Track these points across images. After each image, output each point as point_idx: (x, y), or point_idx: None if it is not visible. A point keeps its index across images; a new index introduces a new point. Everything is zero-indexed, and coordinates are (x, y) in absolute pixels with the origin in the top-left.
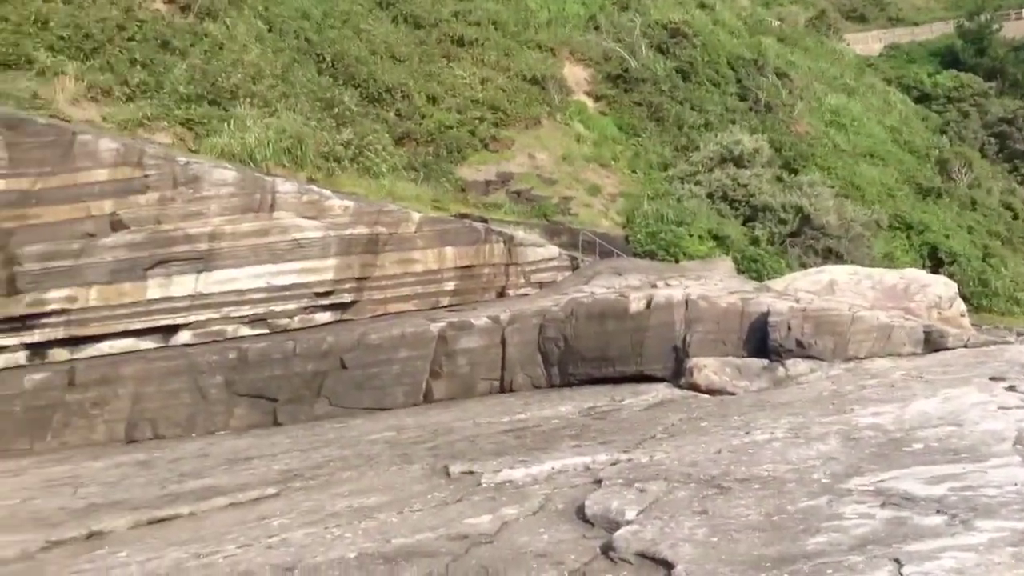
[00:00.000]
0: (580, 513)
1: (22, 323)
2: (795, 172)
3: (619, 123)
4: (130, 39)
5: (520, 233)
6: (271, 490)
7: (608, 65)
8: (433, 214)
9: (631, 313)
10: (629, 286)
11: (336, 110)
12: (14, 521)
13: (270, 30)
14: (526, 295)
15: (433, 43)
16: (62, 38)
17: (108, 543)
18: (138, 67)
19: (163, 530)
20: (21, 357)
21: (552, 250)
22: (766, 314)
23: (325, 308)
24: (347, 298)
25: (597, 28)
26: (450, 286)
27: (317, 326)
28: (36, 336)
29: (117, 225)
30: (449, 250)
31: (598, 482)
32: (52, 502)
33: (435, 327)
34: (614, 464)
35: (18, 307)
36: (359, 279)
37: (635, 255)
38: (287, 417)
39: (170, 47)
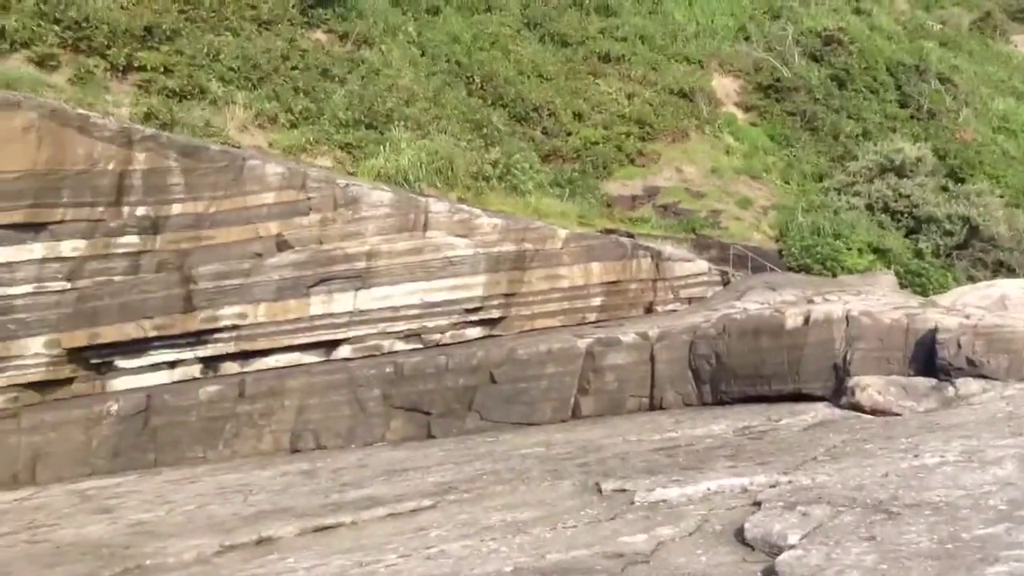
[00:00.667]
0: (739, 536)
1: (197, 338)
2: (961, 181)
3: (771, 133)
4: (293, 68)
5: (668, 248)
6: (427, 502)
7: (759, 75)
8: (579, 230)
9: (787, 329)
10: (784, 301)
11: (485, 130)
12: (191, 526)
13: (423, 55)
14: (675, 311)
15: (579, 60)
16: (232, 69)
17: (277, 549)
18: (301, 95)
19: (327, 538)
20: (196, 370)
21: (701, 265)
22: (934, 331)
23: (475, 324)
24: (495, 314)
25: (747, 38)
26: (597, 302)
27: (467, 341)
28: (209, 350)
29: (283, 245)
30: (595, 266)
31: (757, 504)
32: (225, 508)
33: (582, 343)
34: (773, 486)
35: (194, 323)
36: (507, 295)
37: (789, 269)
38: (440, 430)
39: (330, 75)
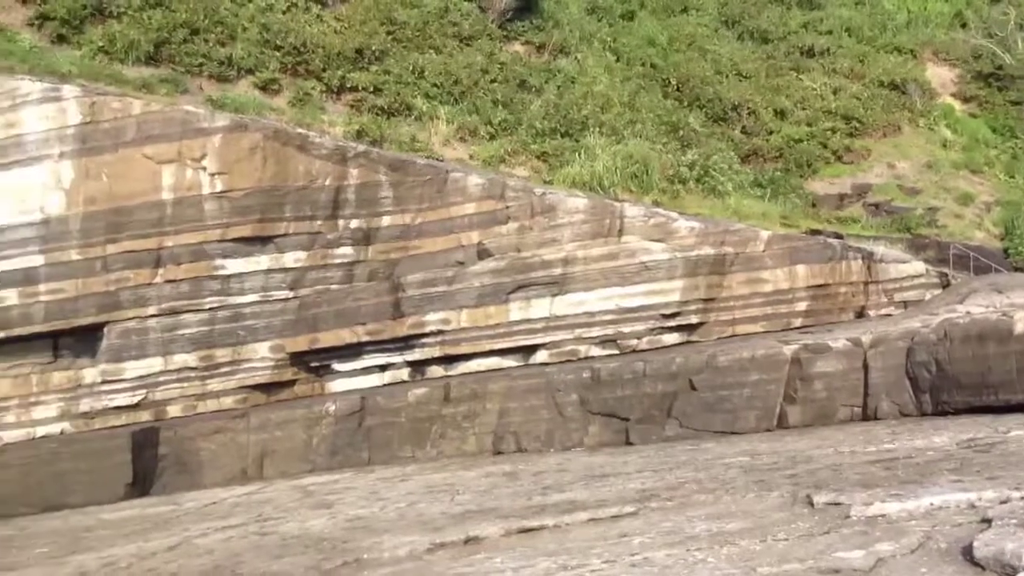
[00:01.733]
0: (967, 554)
1: (405, 343)
2: None
3: (992, 125)
4: (492, 81)
5: (880, 248)
6: (629, 508)
7: (978, 63)
8: (782, 231)
9: (1016, 335)
10: (1013, 304)
11: (681, 132)
12: (403, 523)
13: (617, 60)
14: (889, 315)
15: (781, 56)
16: (436, 85)
17: (484, 549)
18: (499, 107)
19: (531, 540)
20: (404, 373)
21: (917, 266)
22: None
23: (672, 329)
24: (694, 319)
25: (964, 25)
26: (802, 306)
27: (665, 347)
28: (416, 355)
29: (483, 253)
30: (800, 268)
31: (986, 521)
32: (434, 507)
33: (788, 350)
34: (1004, 502)
35: (402, 328)
36: (706, 300)
37: (1016, 269)
38: (638, 437)
39: (527, 86)
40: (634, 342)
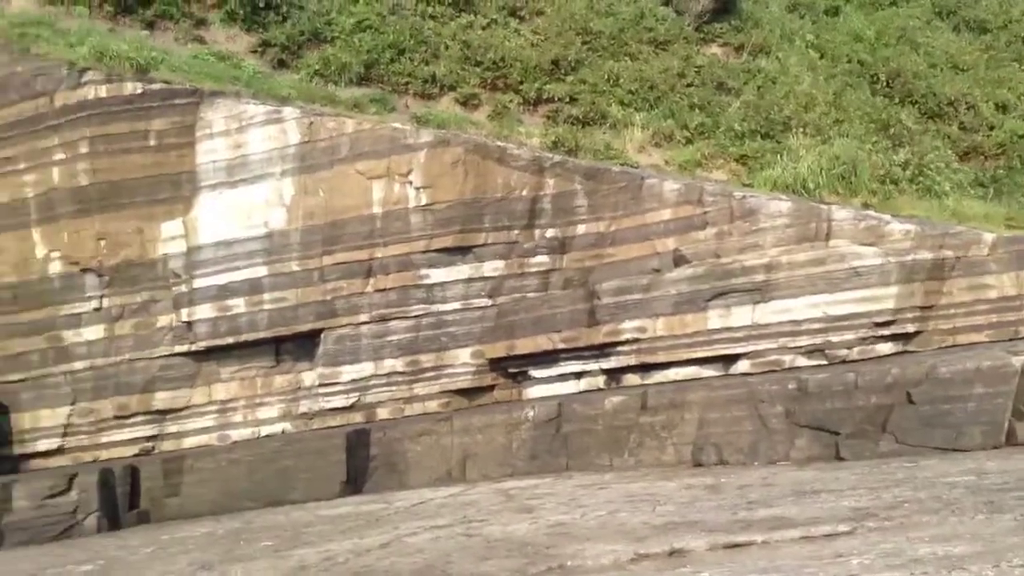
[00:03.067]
0: None
1: (600, 351)
2: None
3: None
4: (688, 85)
5: None
6: (843, 527)
7: None
8: (1008, 234)
9: None
10: None
11: (892, 130)
12: (605, 531)
13: (821, 57)
14: None
15: (1001, 47)
16: (631, 92)
17: (689, 562)
18: (696, 111)
19: (738, 555)
20: (600, 381)
21: None
22: None
23: (886, 339)
24: (910, 328)
25: None
26: None
27: (878, 358)
28: (612, 362)
29: (679, 260)
30: None
31: None
32: (635, 516)
33: (1017, 361)
34: None
35: (598, 336)
36: (923, 307)
37: None
38: (849, 452)
39: (725, 88)
40: (844, 352)
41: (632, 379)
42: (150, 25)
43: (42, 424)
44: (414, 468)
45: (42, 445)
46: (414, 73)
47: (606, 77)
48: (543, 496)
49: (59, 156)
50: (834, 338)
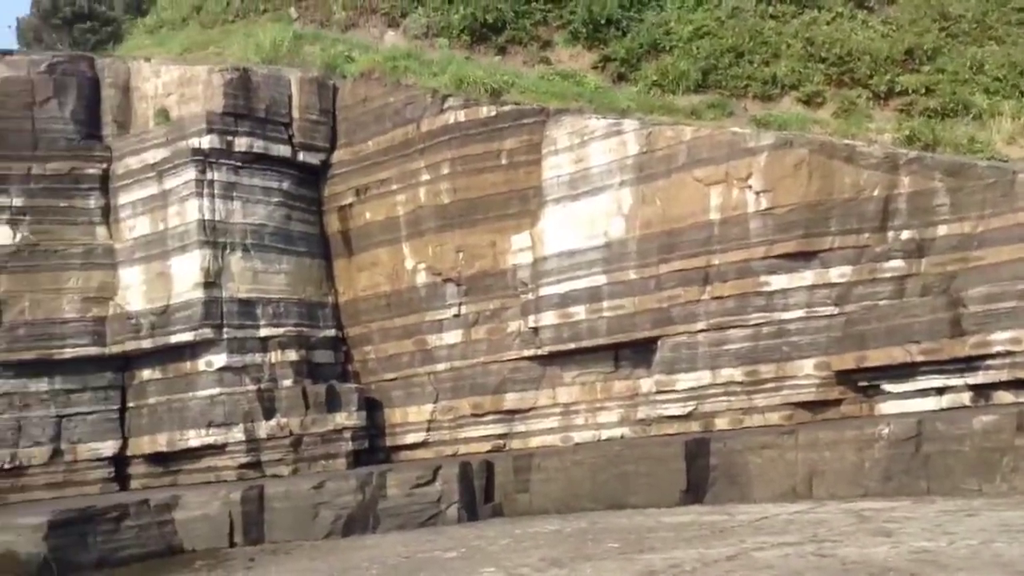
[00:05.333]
0: None
1: (966, 364)
2: None
3: None
4: None
5: None
6: None
7: None
8: None
9: None
10: None
11: None
12: (977, 562)
13: None
14: None
15: None
16: (997, 79)
17: None
18: None
19: None
20: (965, 398)
21: None
22: None
23: None
24: None
25: None
26: None
27: None
28: (980, 378)
29: None
30: None
31: None
32: (1013, 548)
33: None
34: None
35: (963, 348)
36: None
37: None
38: None
39: None
40: None
41: (1004, 396)
42: (502, 50)
43: (410, 419)
44: (756, 481)
45: (410, 438)
46: (753, 75)
47: (968, 64)
48: (902, 520)
49: (425, 177)
50: None
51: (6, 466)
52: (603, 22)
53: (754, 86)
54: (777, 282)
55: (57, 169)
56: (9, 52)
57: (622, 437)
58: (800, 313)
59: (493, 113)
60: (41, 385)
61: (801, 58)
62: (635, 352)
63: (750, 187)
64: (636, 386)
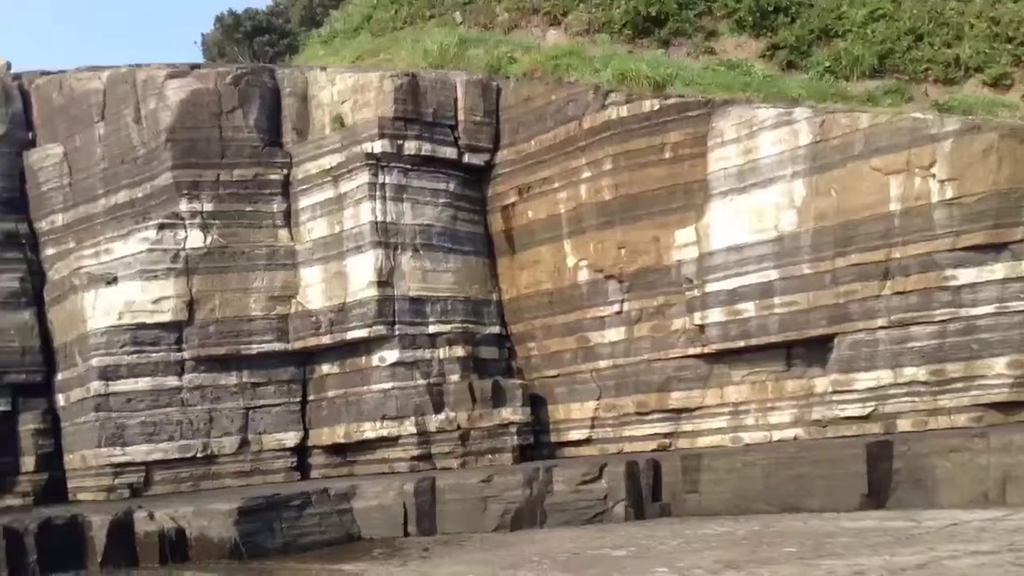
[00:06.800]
0: None
1: None
2: None
3: None
4: None
5: None
6: None
7: None
8: None
9: None
10: None
11: None
12: None
13: None
14: None
15: None
16: None
17: None
18: None
19: None
20: None
21: None
22: None
23: None
24: None
25: None
26: None
27: None
28: None
29: None
30: None
31: None
32: None
33: None
34: None
35: None
36: None
37: None
38: None
39: None
40: None
41: None
42: (665, 43)
43: (573, 416)
44: (943, 486)
45: (573, 435)
46: (934, 58)
47: None
48: None
49: (586, 174)
50: None
51: (199, 455)
52: (770, 9)
53: (935, 69)
54: (965, 276)
55: (243, 175)
56: (197, 65)
57: (795, 438)
58: (990, 308)
59: (656, 107)
60: (231, 379)
61: (986, 38)
62: (809, 350)
63: (933, 175)
64: (811, 385)
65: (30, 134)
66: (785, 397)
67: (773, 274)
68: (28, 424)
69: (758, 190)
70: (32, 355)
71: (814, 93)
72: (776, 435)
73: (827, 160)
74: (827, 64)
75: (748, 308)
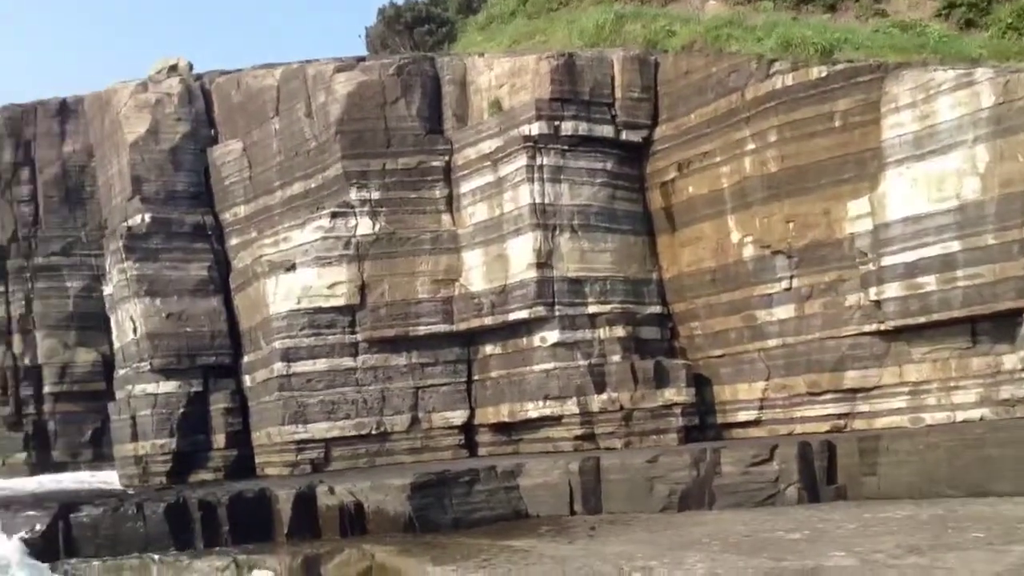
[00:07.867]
0: None
1: None
2: None
3: None
4: None
5: None
6: None
7: None
8: None
9: None
10: None
11: None
12: None
13: None
14: None
15: None
16: None
17: None
18: None
19: None
20: None
21: None
22: None
23: None
24: None
25: None
26: None
27: None
28: None
29: None
30: None
31: None
32: None
33: None
34: None
35: None
36: None
37: None
38: None
39: None
40: None
41: None
42: (831, 8)
43: (740, 397)
44: None
45: (741, 416)
46: None
47: None
48: None
49: (750, 146)
50: None
51: (374, 432)
52: None
53: None
54: None
55: (407, 163)
56: (362, 58)
57: (981, 419)
58: None
59: (824, 74)
60: (400, 359)
61: None
62: (996, 325)
63: None
64: (998, 363)
65: (212, 131)
66: (970, 375)
67: (955, 245)
68: (219, 403)
69: (937, 157)
70: (221, 339)
71: (996, 52)
72: (960, 415)
73: (1012, 123)
74: (1009, 21)
75: (928, 282)
